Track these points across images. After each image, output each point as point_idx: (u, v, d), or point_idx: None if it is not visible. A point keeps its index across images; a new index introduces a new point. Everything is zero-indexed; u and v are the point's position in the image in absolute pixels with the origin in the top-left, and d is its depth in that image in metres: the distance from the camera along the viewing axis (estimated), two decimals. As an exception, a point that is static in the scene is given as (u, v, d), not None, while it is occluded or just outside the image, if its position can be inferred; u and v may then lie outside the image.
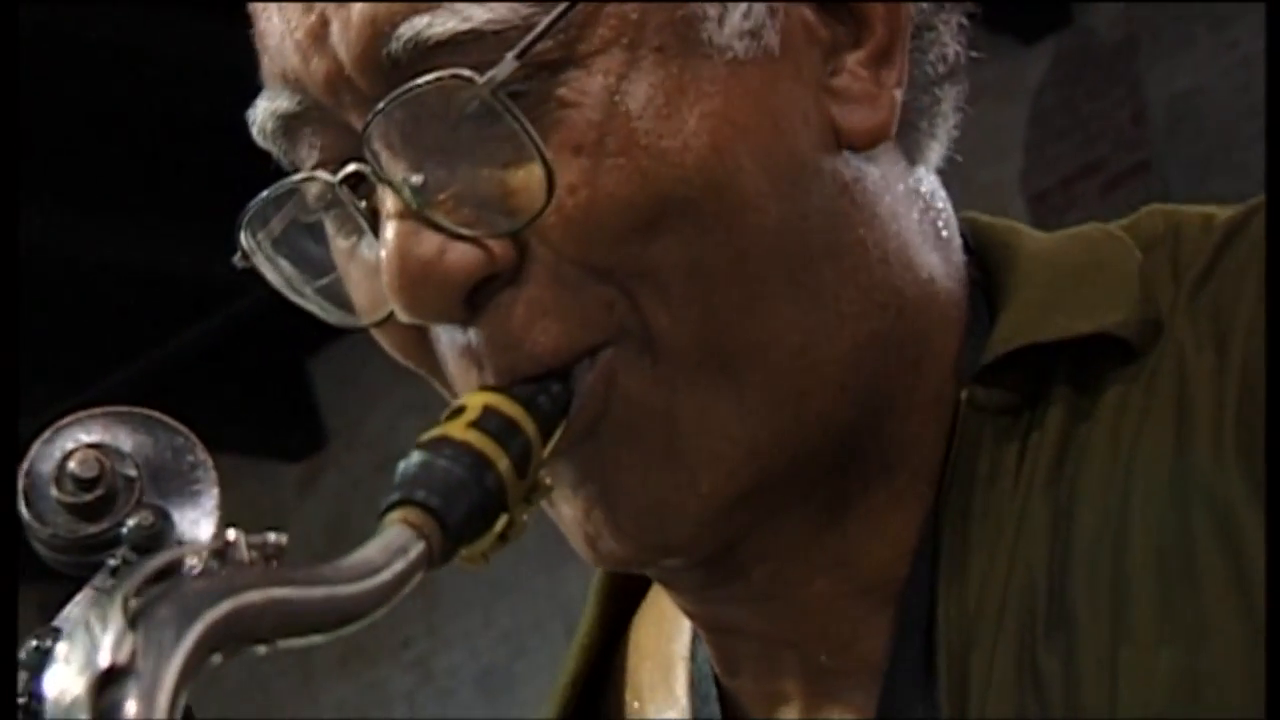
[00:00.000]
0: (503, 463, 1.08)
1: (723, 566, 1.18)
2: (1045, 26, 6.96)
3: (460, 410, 1.10)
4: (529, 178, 1.09)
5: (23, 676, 1.08)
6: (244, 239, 1.18)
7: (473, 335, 1.13)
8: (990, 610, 1.12)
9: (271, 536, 1.02)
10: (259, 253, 1.19)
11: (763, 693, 1.22)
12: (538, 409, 1.11)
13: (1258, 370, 1.10)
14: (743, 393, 1.13)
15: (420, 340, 1.16)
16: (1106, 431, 1.14)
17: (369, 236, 1.15)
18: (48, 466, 1.15)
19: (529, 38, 1.08)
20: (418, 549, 1.03)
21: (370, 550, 1.02)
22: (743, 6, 1.13)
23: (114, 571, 1.14)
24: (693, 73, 1.11)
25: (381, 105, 1.10)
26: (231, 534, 1.02)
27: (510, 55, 1.08)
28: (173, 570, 1.00)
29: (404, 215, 1.11)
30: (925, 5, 1.20)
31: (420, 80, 1.09)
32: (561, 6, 1.09)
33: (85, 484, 1.14)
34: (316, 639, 0.99)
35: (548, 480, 1.13)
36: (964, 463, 1.16)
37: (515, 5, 1.09)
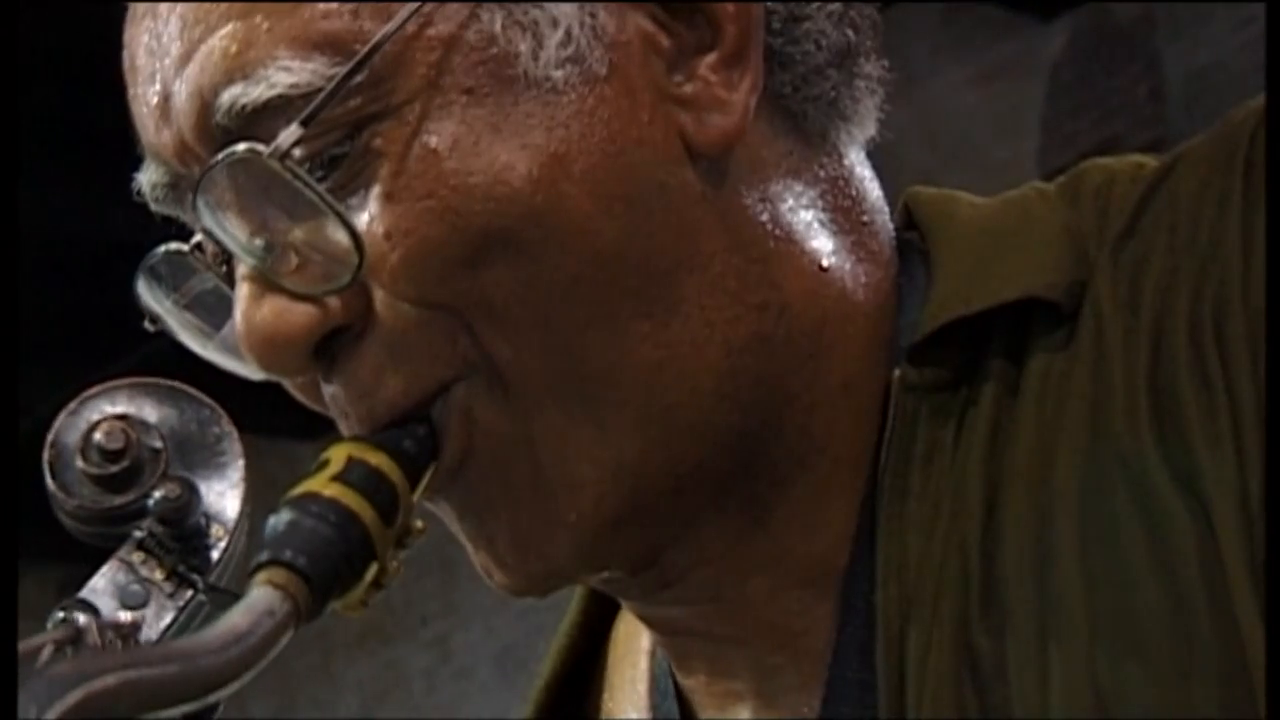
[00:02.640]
0: (368, 514, 1.09)
1: (656, 575, 1.19)
2: (1062, 3, 6.93)
3: (325, 463, 1.11)
4: (344, 236, 1.11)
5: (49, 650, 1.09)
6: (149, 302, 1.22)
7: (334, 387, 1.15)
8: (927, 593, 1.12)
9: (125, 616, 1.02)
10: (169, 316, 1.22)
11: (715, 690, 1.23)
12: (403, 454, 1.12)
13: (1171, 331, 1.09)
14: (600, 415, 1.13)
15: (316, 385, 1.18)
16: (1033, 401, 1.13)
17: None
18: (73, 438, 1.15)
19: (313, 104, 1.10)
20: (284, 609, 1.04)
21: (236, 615, 1.03)
22: (559, 35, 1.13)
23: (140, 543, 1.15)
24: (508, 110, 1.12)
25: (198, 179, 1.12)
26: (82, 619, 1.02)
27: (294, 124, 1.10)
28: (32, 659, 1.00)
29: (251, 279, 1.14)
30: None
31: (220, 156, 1.11)
32: (346, 69, 1.10)
33: (111, 455, 1.15)
34: (188, 708, 0.99)
35: (419, 524, 1.14)
36: (899, 444, 1.15)
37: (318, 68, 1.10)
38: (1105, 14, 6.90)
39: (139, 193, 1.20)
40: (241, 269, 1.14)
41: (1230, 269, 1.07)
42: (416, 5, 1.11)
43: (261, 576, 1.05)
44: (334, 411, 1.17)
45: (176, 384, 1.18)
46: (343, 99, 1.10)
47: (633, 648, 1.30)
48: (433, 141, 1.11)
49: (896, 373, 1.16)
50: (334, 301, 1.12)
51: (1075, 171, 1.21)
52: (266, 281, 1.13)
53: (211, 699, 0.99)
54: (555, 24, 1.13)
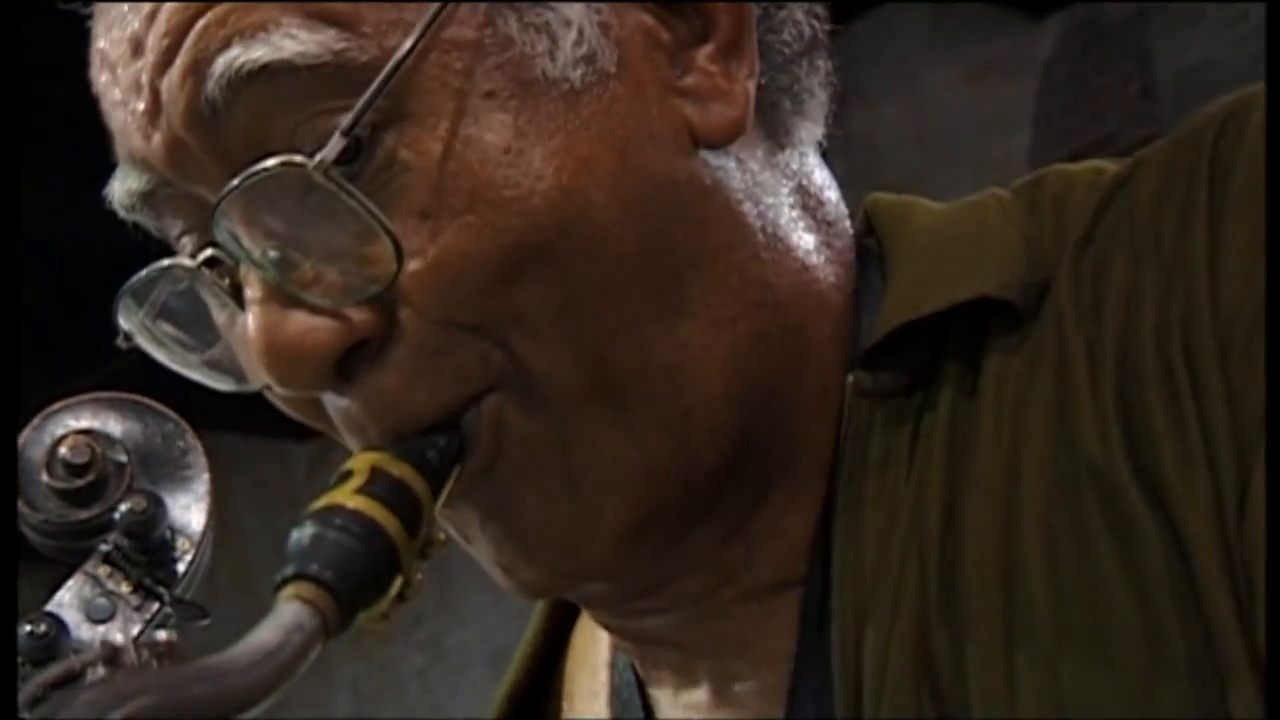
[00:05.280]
0: (393, 526, 1.07)
1: (635, 584, 1.18)
2: (1055, 1, 6.94)
3: (348, 474, 1.10)
4: (380, 247, 1.09)
5: (95, 669, 1.08)
6: (123, 319, 1.19)
7: (351, 403, 1.13)
8: (884, 599, 1.11)
9: (161, 635, 1.01)
10: (143, 332, 1.19)
11: (682, 701, 1.22)
12: (426, 465, 1.11)
13: (1136, 344, 1.08)
14: (629, 418, 1.12)
15: (314, 401, 1.16)
16: (991, 405, 1.12)
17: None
18: (38, 452, 1.15)
19: (353, 113, 1.07)
20: (313, 624, 1.02)
21: (265, 631, 1.01)
22: (573, 34, 1.11)
23: (106, 557, 1.15)
24: (530, 113, 1.10)
25: (224, 194, 1.09)
26: (119, 638, 1.01)
27: (337, 134, 1.07)
28: (70, 680, 0.99)
29: (266, 293, 1.11)
30: None
31: (256, 169, 1.08)
32: (380, 78, 1.07)
33: (76, 469, 1.15)
34: None
35: (442, 535, 1.13)
36: (854, 450, 1.15)
37: (326, 41, 1.08)
38: (1097, 11, 6.90)
39: (109, 199, 1.17)
40: (254, 282, 1.11)
41: (1196, 281, 1.07)
42: (440, 5, 1.09)
43: (289, 591, 1.03)
44: (345, 425, 1.15)
45: (140, 398, 1.18)
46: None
47: (590, 659, 1.30)
48: (465, 152, 1.09)
49: (850, 378, 1.16)
50: (358, 315, 1.10)
51: (1033, 178, 1.21)
52: (283, 295, 1.10)
53: (245, 716, 0.98)
54: (568, 24, 1.12)
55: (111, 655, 0.99)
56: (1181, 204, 1.09)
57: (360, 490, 1.08)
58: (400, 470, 1.09)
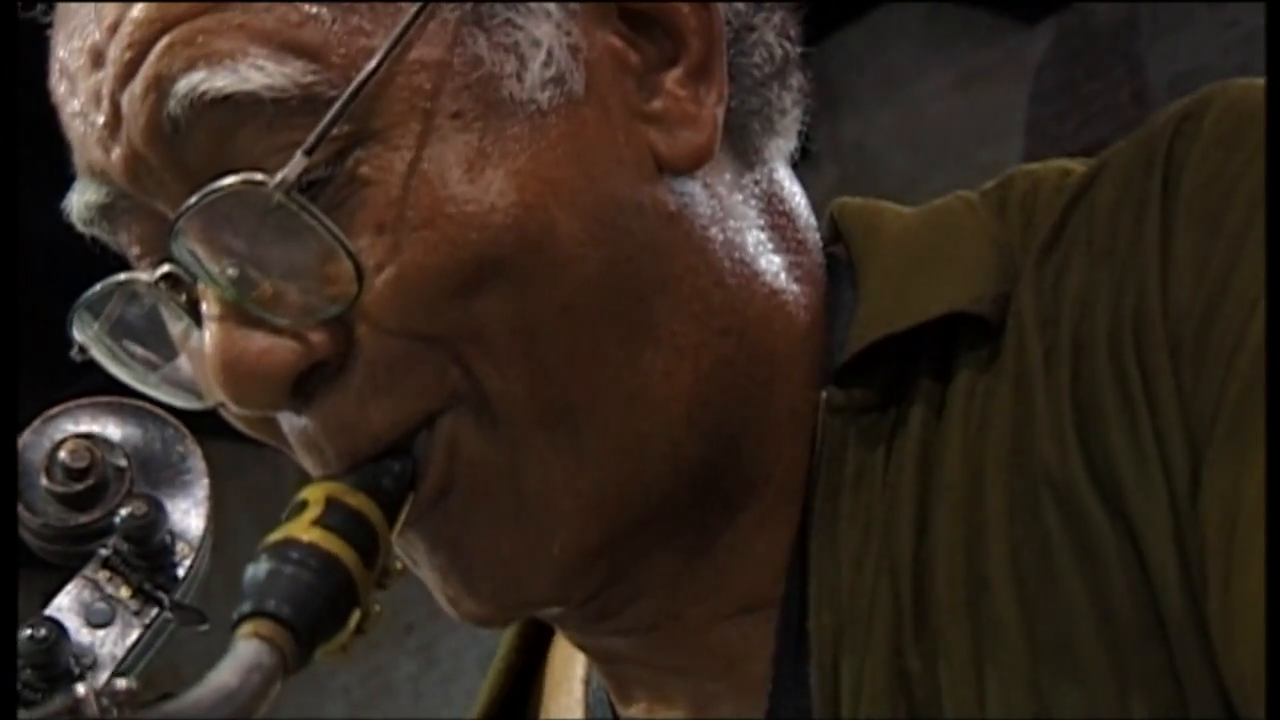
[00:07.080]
0: (350, 558, 1.06)
1: (600, 605, 1.17)
2: (1046, 7, 6.95)
3: (303, 505, 1.08)
4: (339, 267, 1.07)
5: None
6: (78, 332, 1.17)
7: (308, 422, 1.12)
8: (860, 618, 1.10)
9: (121, 683, 1.01)
10: (97, 344, 1.17)
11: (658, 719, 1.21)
12: (381, 493, 1.09)
13: (1090, 347, 1.07)
14: (582, 445, 1.11)
15: (269, 418, 1.14)
16: (959, 420, 1.11)
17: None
18: (37, 456, 1.15)
19: (316, 132, 1.06)
20: (272, 662, 1.01)
21: (225, 672, 0.99)
22: (542, 55, 1.10)
23: (105, 561, 1.15)
24: (495, 134, 1.09)
25: (182, 211, 1.08)
26: (80, 690, 1.01)
27: (299, 153, 1.06)
28: None
29: (224, 311, 1.09)
30: (742, 7, 1.17)
31: (215, 186, 1.07)
32: (344, 97, 1.06)
33: (76, 474, 1.15)
34: None
35: (399, 564, 1.13)
36: (829, 468, 1.14)
37: (293, 74, 1.07)
38: (1088, 17, 6.92)
39: (67, 213, 1.15)
40: (212, 300, 1.10)
41: (1148, 280, 1.06)
42: (406, 24, 1.08)
43: (246, 628, 1.02)
44: (300, 445, 1.14)
45: (140, 403, 1.18)
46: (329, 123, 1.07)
47: (568, 675, 1.29)
48: (426, 169, 1.08)
49: (823, 395, 1.15)
50: (316, 335, 1.09)
51: (1002, 179, 1.20)
52: (241, 313, 1.09)
53: None
54: (537, 44, 1.11)
55: (73, 706, 0.98)
56: (1136, 206, 1.09)
57: (316, 522, 1.07)
58: (356, 500, 1.08)
